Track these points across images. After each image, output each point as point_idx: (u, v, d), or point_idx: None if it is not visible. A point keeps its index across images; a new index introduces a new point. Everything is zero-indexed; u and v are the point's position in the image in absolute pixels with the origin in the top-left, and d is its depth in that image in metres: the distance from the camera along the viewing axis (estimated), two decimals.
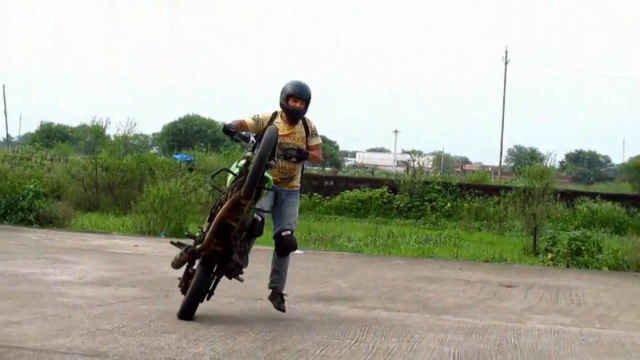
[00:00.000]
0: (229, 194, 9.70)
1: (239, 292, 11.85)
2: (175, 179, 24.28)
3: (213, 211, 9.84)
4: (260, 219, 10.20)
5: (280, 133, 10.12)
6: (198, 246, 9.72)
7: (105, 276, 12.71)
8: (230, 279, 10.07)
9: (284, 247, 10.53)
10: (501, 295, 13.26)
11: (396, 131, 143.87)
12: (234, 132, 9.95)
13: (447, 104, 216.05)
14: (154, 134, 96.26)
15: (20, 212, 20.81)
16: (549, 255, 19.25)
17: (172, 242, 10.69)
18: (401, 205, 33.09)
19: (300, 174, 10.73)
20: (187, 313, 9.74)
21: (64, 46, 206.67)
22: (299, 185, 10.73)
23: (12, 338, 8.18)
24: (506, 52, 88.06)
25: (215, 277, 10.02)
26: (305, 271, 14.90)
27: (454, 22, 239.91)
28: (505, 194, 29.90)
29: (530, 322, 10.84)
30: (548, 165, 38.06)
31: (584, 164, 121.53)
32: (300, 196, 10.98)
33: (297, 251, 18.23)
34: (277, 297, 10.30)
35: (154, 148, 74.51)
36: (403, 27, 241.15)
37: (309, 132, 10.64)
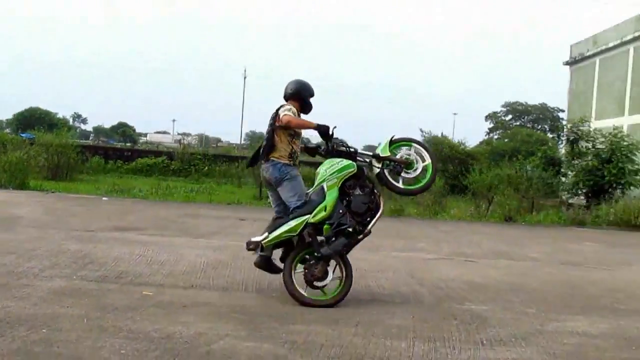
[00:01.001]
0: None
1: (61, 225, 11.40)
2: (20, 150, 23.12)
3: (371, 205, 7.11)
4: None
5: None
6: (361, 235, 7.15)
7: None
8: None
9: None
10: (237, 225, 13.38)
11: (174, 120, 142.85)
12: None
13: (208, 103, 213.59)
14: (7, 119, 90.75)
15: None
16: (269, 200, 19.51)
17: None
18: (175, 168, 32.70)
19: None
20: None
21: None
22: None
23: None
24: (245, 70, 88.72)
25: None
26: (109, 211, 14.49)
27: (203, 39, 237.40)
28: (243, 161, 30.27)
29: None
30: None
31: None
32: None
33: (104, 198, 17.85)
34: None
35: (7, 129, 70.33)
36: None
37: None
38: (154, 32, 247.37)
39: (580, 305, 7.56)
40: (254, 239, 7.04)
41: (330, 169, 7.09)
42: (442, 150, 29.23)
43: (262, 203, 19.72)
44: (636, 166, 21.58)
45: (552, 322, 6.62)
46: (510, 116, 79.28)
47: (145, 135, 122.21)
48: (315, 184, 7.15)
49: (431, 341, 5.66)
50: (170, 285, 7.23)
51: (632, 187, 21.29)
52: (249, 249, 7.13)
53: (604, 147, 22.16)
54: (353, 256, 9.84)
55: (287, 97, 7.43)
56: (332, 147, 7.24)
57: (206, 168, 32.92)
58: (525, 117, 78.28)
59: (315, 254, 6.86)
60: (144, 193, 20.59)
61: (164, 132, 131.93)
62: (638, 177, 21.46)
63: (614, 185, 21.44)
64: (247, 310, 6.34)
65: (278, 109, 7.22)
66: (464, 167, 27.05)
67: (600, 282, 9.32)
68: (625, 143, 21.99)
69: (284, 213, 7.25)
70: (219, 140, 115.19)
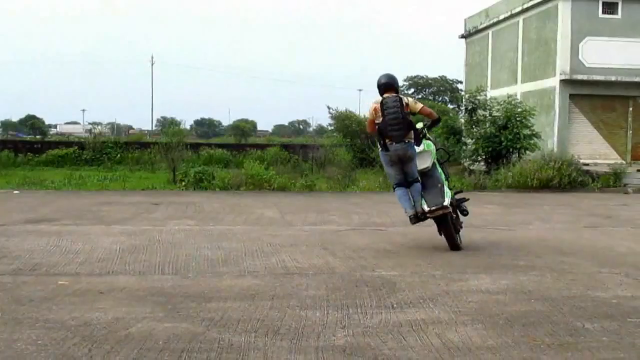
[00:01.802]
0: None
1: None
2: None
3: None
4: None
5: None
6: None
7: None
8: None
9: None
10: (151, 210, 13.18)
11: (84, 110, 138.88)
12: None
13: (118, 91, 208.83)
14: None
15: None
16: (183, 183, 19.30)
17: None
18: (87, 157, 31.79)
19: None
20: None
21: None
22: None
23: None
24: (152, 57, 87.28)
25: None
26: (20, 204, 14.04)
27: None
28: (155, 147, 29.68)
29: (169, 225, 10.87)
30: (182, 127, 37.97)
31: (205, 126, 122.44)
32: (383, 155, 8.98)
33: (15, 191, 17.25)
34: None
35: None
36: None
37: None
38: (60, 23, 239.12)
39: (483, 265, 7.81)
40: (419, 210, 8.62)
41: (433, 149, 8.95)
42: (350, 126, 29.47)
43: (176, 187, 19.49)
44: (530, 131, 22.33)
45: (457, 283, 6.82)
46: (412, 90, 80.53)
47: (55, 126, 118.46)
48: (429, 160, 8.84)
49: (344, 308, 5.74)
50: (86, 274, 7.08)
51: (527, 151, 22.04)
52: (417, 221, 8.79)
53: (499, 114, 22.81)
54: (267, 233, 9.90)
55: (389, 88, 8.85)
56: (425, 133, 8.95)
57: (119, 156, 32.18)
58: (427, 89, 79.63)
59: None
60: (57, 184, 19.98)
61: (74, 123, 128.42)
62: (532, 142, 22.22)
63: (511, 150, 22.14)
64: (164, 292, 6.27)
65: (400, 99, 8.62)
66: (371, 141, 27.39)
67: (502, 241, 9.65)
68: (519, 110, 22.70)
69: (404, 181, 8.76)
70: (130, 127, 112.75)
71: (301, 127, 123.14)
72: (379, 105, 8.67)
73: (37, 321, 5.24)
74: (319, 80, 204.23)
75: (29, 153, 32.76)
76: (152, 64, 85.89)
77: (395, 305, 5.86)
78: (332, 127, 33.37)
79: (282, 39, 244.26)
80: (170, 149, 25.11)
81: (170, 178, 21.75)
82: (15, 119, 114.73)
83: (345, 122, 29.74)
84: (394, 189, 8.90)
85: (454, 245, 8.72)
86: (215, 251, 8.48)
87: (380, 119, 8.66)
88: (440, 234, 8.88)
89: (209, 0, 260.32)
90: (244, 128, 78.91)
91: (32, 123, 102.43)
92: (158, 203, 14.35)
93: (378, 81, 8.93)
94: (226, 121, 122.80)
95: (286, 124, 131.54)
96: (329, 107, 31.89)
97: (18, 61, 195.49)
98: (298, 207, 14.02)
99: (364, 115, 31.74)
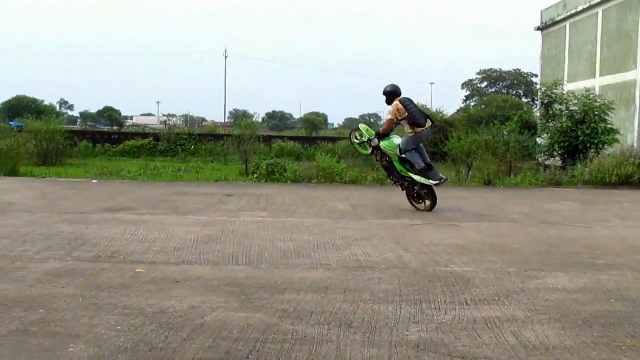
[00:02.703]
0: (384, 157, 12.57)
1: (53, 209, 11.36)
2: (9, 138, 22.99)
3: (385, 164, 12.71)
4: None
5: None
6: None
7: None
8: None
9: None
10: (224, 201, 13.34)
11: (158, 102, 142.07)
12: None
13: (192, 84, 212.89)
14: None
15: None
16: (255, 175, 19.52)
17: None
18: (162, 149, 32.59)
19: (407, 129, 12.08)
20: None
21: None
22: (408, 133, 12.07)
23: None
24: (226, 50, 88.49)
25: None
26: (99, 193, 14.41)
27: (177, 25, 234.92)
28: (228, 139, 30.16)
29: (242, 217, 10.97)
30: (254, 120, 38.41)
31: (277, 119, 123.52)
32: (414, 138, 12.09)
33: (94, 181, 17.75)
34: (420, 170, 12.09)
35: None
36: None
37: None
38: (136, 16, 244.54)
39: (560, 263, 7.63)
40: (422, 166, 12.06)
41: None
42: None
43: (248, 179, 19.71)
44: (609, 126, 21.68)
45: (533, 280, 6.68)
46: (485, 83, 79.39)
47: (131, 118, 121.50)
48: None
49: (417, 304, 5.70)
50: (162, 262, 7.22)
51: (605, 147, 21.38)
52: (422, 172, 12.03)
53: (577, 108, 22.20)
54: (339, 226, 9.90)
55: (397, 95, 12.23)
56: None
57: (192, 147, 32.84)
58: (501, 83, 78.44)
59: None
60: (133, 174, 20.51)
61: (150, 115, 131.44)
62: (611, 137, 21.55)
63: (588, 145, 21.51)
64: (238, 282, 6.35)
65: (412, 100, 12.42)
66: (443, 134, 27.12)
67: (579, 239, 9.40)
68: (597, 104, 22.04)
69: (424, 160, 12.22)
70: (203, 120, 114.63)
71: (372, 120, 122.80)
72: (401, 105, 11.99)
73: (115, 307, 5.38)
74: (391, 74, 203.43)
75: (106, 144, 33.74)
76: (226, 57, 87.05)
77: (469, 302, 5.78)
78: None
79: (354, 33, 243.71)
80: (242, 141, 25.47)
81: (243, 170, 22.07)
82: (93, 110, 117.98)
83: None
84: (406, 152, 12.07)
85: (435, 203, 12.24)
86: (288, 243, 8.53)
87: (406, 114, 11.92)
88: (417, 201, 12.45)
89: None
90: (314, 121, 79.29)
91: (109, 114, 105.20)
92: (231, 194, 14.51)
93: (385, 89, 12.27)
94: (297, 114, 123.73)
95: (357, 117, 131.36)
96: None
97: (97, 53, 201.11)
98: (370, 201, 13.98)
99: (437, 109, 31.53)
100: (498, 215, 11.92)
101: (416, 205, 12.46)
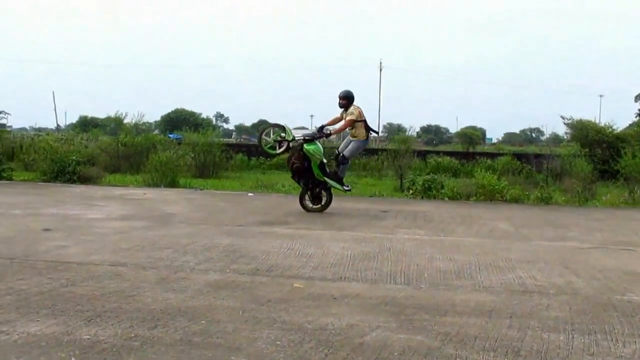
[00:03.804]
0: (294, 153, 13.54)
1: (211, 221, 11.84)
2: (169, 150, 24.24)
3: (298, 166, 13.63)
4: (340, 155, 13.78)
5: (341, 118, 13.71)
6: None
7: (125, 214, 12.55)
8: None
9: (338, 160, 13.85)
10: (380, 217, 13.37)
11: (312, 115, 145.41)
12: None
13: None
14: (155, 121, 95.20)
15: (67, 174, 20.46)
16: (410, 191, 19.42)
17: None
18: None
19: (361, 133, 13.53)
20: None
21: (93, 60, 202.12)
22: (362, 138, 13.60)
23: (63, 256, 8.09)
24: (380, 62, 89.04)
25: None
26: (255, 206, 14.88)
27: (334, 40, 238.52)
28: (382, 154, 30.33)
29: (399, 234, 10.95)
30: (409, 134, 38.40)
31: (432, 133, 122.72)
32: (364, 144, 14.04)
33: (249, 194, 18.36)
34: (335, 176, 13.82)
35: (156, 130, 73.73)
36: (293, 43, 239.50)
37: (348, 112, 13.54)
38: (280, 26, 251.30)
39: None
40: None
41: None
42: (588, 135, 28.15)
43: (403, 195, 19.67)
44: None
45: None
46: None
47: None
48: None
49: (591, 334, 5.43)
50: (319, 278, 7.33)
51: None
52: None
53: None
54: (501, 247, 9.67)
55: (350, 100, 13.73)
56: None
57: None
58: None
59: None
60: (287, 188, 20.96)
61: (303, 128, 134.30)
62: None
63: None
64: (396, 302, 6.32)
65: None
66: (614, 151, 25.87)
67: None
68: None
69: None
70: None
71: (534, 135, 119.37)
72: (361, 109, 13.56)
73: (274, 322, 5.50)
74: (552, 87, 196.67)
75: (261, 157, 34.72)
76: (381, 70, 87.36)
77: None
78: (569, 136, 32.07)
79: (512, 43, 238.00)
80: (397, 156, 25.47)
81: (398, 185, 22.01)
82: (247, 123, 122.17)
83: (582, 131, 28.42)
84: (348, 160, 13.95)
85: (329, 204, 13.99)
86: (447, 263, 8.41)
87: (363, 118, 13.52)
88: (314, 202, 13.95)
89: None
90: (472, 136, 78.03)
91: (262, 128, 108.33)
92: (386, 211, 14.54)
93: (348, 92, 13.59)
94: (453, 128, 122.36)
95: (517, 131, 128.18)
96: (562, 117, 30.78)
97: (250, 67, 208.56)
98: (533, 221, 13.54)
99: (605, 123, 30.13)
100: None
101: (310, 206, 13.81)
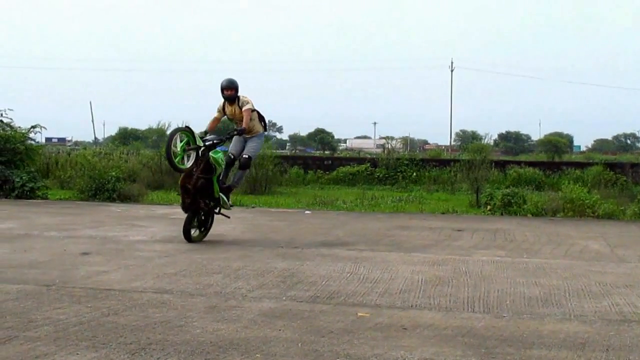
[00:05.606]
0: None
1: (265, 242, 11.91)
2: None
3: (203, 183, 11.79)
4: (243, 157, 12.31)
5: (228, 113, 12.48)
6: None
7: (169, 235, 12.72)
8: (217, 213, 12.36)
9: (241, 164, 12.37)
10: (454, 237, 13.27)
11: (375, 123, 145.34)
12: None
13: (411, 101, 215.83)
14: (200, 132, 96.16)
15: (106, 192, 20.85)
16: (488, 207, 19.25)
17: None
18: (380, 176, 33.06)
19: (257, 126, 12.51)
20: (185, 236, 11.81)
21: (129, 72, 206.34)
22: (259, 131, 12.58)
23: (103, 283, 8.24)
24: (452, 62, 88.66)
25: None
26: (313, 225, 14.93)
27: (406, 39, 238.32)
28: (455, 165, 30.13)
29: (476, 255, 10.86)
30: (485, 142, 38.06)
31: (512, 141, 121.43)
32: (263, 138, 12.99)
33: (306, 211, 18.43)
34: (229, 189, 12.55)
35: None
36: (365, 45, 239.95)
37: (239, 104, 12.27)
38: (339, 33, 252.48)
39: None
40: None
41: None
42: None
43: (480, 211, 19.49)
44: None
45: None
46: None
47: (345, 141, 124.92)
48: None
49: None
50: (387, 306, 7.30)
51: None
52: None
53: None
54: (594, 269, 9.49)
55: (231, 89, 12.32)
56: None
57: (414, 174, 33.00)
58: None
59: None
60: (348, 205, 21.01)
61: (365, 137, 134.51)
62: None
63: None
64: (475, 332, 6.25)
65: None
66: None
67: None
68: None
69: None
70: (425, 142, 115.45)
71: (629, 141, 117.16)
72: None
73: (338, 355, 5.50)
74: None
75: (318, 170, 34.78)
76: (452, 70, 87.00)
77: None
78: None
79: (601, 40, 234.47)
80: (472, 167, 25.22)
81: (473, 201, 21.82)
82: (303, 133, 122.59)
83: None
84: (250, 164, 12.73)
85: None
86: (533, 288, 8.29)
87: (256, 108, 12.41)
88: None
89: None
90: (557, 143, 77.01)
91: (320, 137, 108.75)
92: (461, 229, 14.42)
93: (234, 82, 12.30)
94: (536, 135, 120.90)
95: (609, 138, 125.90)
96: None
97: (309, 70, 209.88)
98: (631, 240, 13.27)
99: None
100: None
101: (195, 234, 12.14)
